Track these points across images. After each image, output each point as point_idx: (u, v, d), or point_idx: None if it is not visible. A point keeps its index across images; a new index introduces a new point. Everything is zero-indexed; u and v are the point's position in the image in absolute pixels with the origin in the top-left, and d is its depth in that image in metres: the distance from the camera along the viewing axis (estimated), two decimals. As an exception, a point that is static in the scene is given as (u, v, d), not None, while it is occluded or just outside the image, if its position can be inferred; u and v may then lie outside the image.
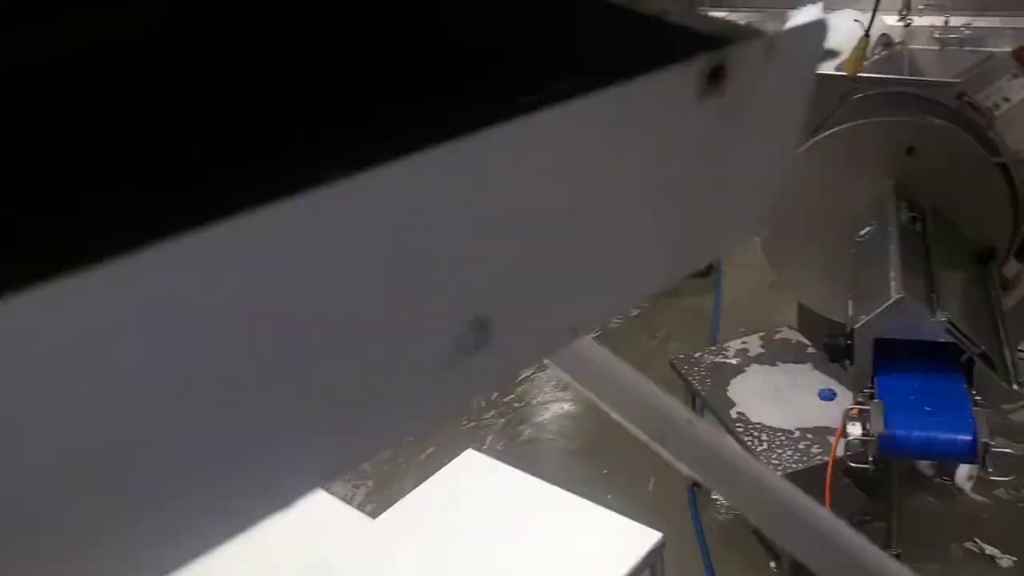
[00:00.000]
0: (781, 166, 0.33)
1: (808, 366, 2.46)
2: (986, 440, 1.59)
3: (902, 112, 2.15)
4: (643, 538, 1.78)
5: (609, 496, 2.50)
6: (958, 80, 3.72)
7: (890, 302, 1.74)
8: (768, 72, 0.29)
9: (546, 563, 1.76)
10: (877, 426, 1.65)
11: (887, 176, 2.14)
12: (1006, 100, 2.50)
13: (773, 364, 2.52)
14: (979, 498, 2.52)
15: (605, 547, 1.78)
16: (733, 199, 0.32)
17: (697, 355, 2.63)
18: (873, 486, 2.40)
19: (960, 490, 2.56)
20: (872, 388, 1.79)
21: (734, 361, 2.55)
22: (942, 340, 1.74)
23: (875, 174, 2.15)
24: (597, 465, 2.85)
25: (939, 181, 2.13)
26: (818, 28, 0.31)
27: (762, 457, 2.17)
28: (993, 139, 2.17)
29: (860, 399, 1.78)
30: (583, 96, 0.25)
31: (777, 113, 0.31)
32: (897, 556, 2.32)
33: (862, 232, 2.07)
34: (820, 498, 2.00)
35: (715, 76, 0.27)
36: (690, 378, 2.52)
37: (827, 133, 2.14)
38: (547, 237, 0.27)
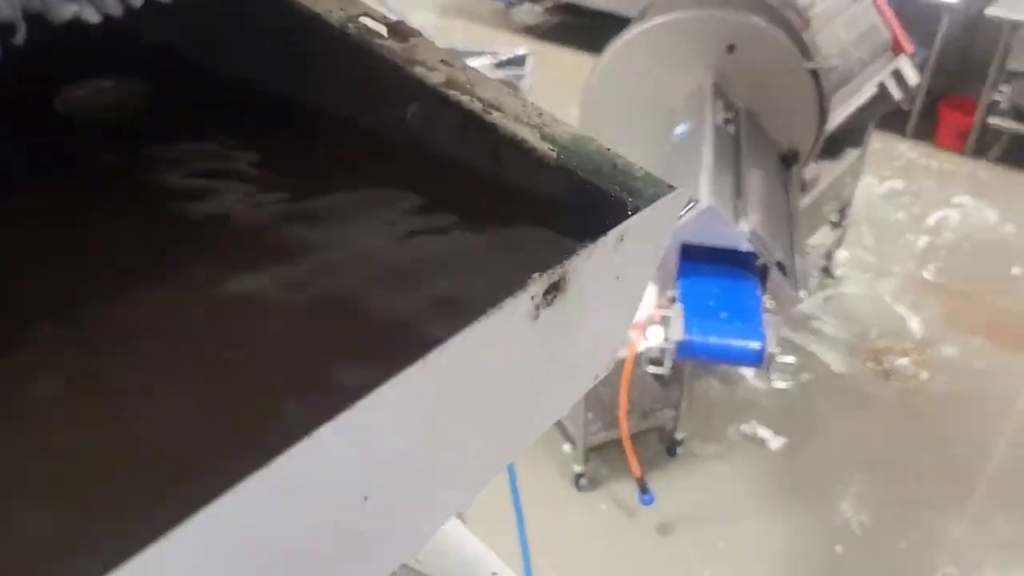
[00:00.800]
0: (628, 316, 0.28)
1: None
2: (772, 350, 1.65)
3: (726, 7, 2.10)
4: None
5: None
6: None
7: (700, 210, 1.74)
8: (618, 254, 0.23)
9: None
10: (676, 333, 1.68)
11: (708, 72, 2.11)
12: (823, -1, 2.52)
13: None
14: (760, 385, 2.70)
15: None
16: (581, 361, 0.29)
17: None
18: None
19: (742, 376, 2.73)
20: (675, 291, 1.81)
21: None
22: (744, 248, 1.77)
23: (696, 69, 2.12)
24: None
25: (755, 81, 2.12)
26: (676, 200, 0.25)
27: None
28: (807, 42, 2.18)
29: (662, 303, 1.79)
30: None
31: (627, 279, 0.25)
32: (680, 442, 2.46)
33: (678, 131, 2.05)
34: (617, 390, 2.05)
35: (552, 289, 0.22)
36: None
37: (650, 25, 2.06)
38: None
